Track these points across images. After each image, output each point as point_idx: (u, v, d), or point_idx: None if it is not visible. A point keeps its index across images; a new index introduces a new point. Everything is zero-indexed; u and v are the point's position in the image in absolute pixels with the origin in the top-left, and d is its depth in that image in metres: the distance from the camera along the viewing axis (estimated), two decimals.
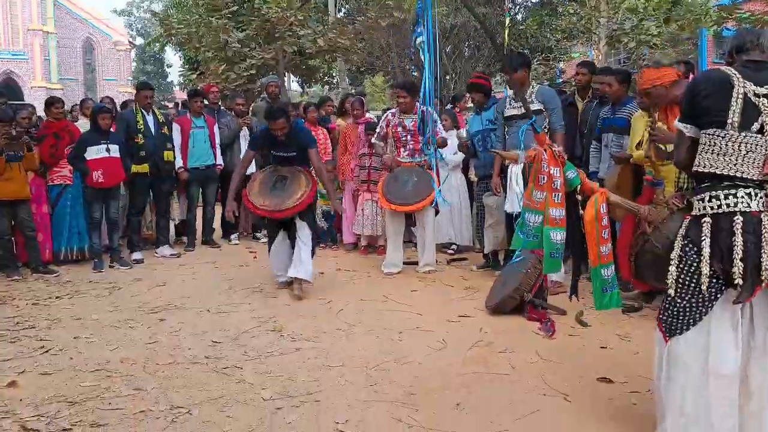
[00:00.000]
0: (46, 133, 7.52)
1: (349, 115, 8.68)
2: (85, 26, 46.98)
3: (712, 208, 2.61)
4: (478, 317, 5.25)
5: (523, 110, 5.97)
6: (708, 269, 2.59)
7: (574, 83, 8.32)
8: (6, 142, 6.74)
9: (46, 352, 4.48)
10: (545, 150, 3.32)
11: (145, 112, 7.84)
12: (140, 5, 59.00)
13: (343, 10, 23.38)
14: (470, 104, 9.03)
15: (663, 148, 4.68)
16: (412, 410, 3.46)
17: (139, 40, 56.01)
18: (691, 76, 5.49)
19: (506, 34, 18.71)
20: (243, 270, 7.26)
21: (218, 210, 9.36)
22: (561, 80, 20.96)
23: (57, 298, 6.07)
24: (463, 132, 8.17)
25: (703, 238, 2.61)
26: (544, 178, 3.29)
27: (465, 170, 8.27)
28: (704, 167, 2.66)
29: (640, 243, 2.99)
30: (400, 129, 6.97)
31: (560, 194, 3.29)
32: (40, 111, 8.74)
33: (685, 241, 2.71)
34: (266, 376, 3.97)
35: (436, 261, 7.17)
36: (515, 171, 5.95)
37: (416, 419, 3.36)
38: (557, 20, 22.08)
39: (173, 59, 60.60)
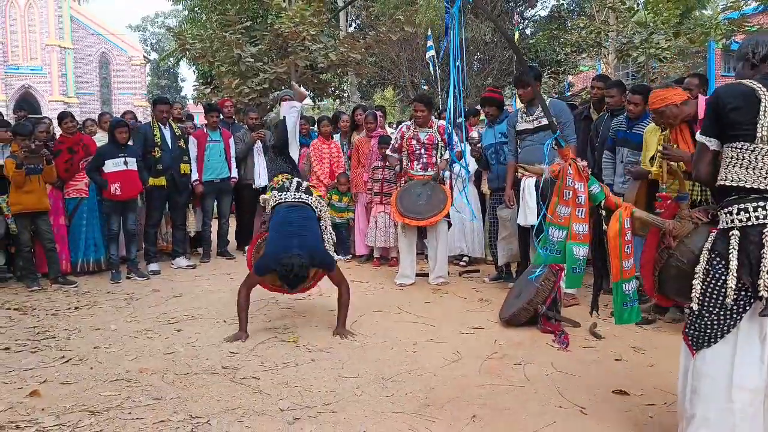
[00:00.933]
0: (61, 148, 7.57)
1: (361, 128, 8.70)
2: (101, 41, 47.25)
3: (740, 221, 2.58)
4: (492, 329, 5.23)
5: (534, 125, 5.97)
6: (734, 282, 2.56)
7: (586, 96, 8.31)
8: (26, 156, 6.78)
9: (67, 361, 4.50)
10: (570, 164, 3.27)
11: (162, 126, 7.88)
12: (154, 21, 59.58)
13: (354, 24, 23.48)
14: (482, 117, 9.05)
15: (674, 166, 4.67)
16: (429, 422, 3.45)
17: (154, 55, 56.37)
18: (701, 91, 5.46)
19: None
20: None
21: (232, 222, 9.43)
22: (570, 93, 20.95)
23: (76, 308, 6.09)
24: (475, 133, 8.18)
25: (731, 250, 2.57)
26: (569, 193, 3.25)
27: (477, 183, 8.26)
28: (732, 181, 2.63)
29: (665, 257, 2.94)
30: (414, 142, 6.98)
31: (584, 209, 3.25)
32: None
33: (712, 255, 2.67)
34: (283, 387, 3.96)
35: (449, 273, 7.16)
36: (528, 184, 5.95)
37: (433, 431, 3.34)
38: (566, 34, 22.09)
39: (187, 74, 61.03)
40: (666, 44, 15.85)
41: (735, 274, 2.56)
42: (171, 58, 28.05)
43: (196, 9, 24.27)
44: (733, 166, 2.63)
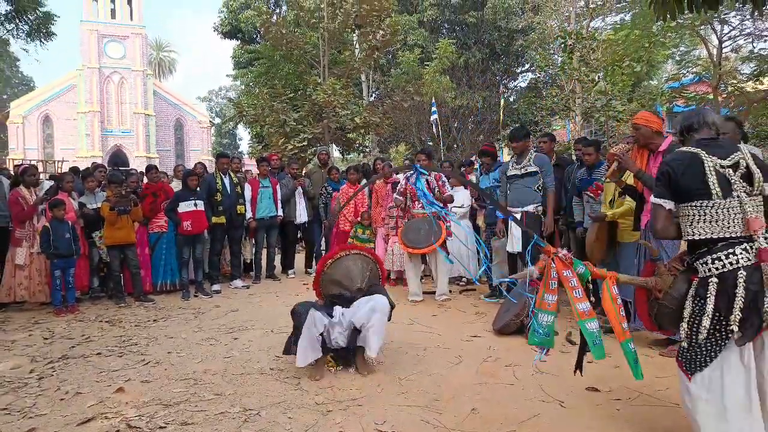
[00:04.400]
0: (146, 192, 7.65)
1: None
2: (176, 109, 47.99)
3: (717, 269, 2.47)
4: (487, 337, 5.14)
5: (521, 172, 5.94)
6: (708, 323, 2.44)
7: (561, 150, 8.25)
8: (117, 200, 6.86)
9: (146, 364, 4.47)
10: (552, 259, 3.09)
11: (223, 175, 7.93)
12: (218, 93, 60.49)
13: (374, 95, 23.70)
14: (476, 167, 9.04)
15: (618, 172, 4.61)
16: (437, 414, 3.37)
17: (217, 120, 57.13)
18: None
19: (501, 112, 18.81)
20: (298, 298, 7.19)
21: (278, 251, 9.44)
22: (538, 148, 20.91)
23: (154, 321, 6.08)
24: (473, 177, 8.16)
25: (708, 296, 2.46)
26: (554, 283, 3.03)
27: (473, 218, 8.21)
28: (700, 235, 2.53)
29: (656, 307, 2.82)
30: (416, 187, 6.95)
31: (580, 290, 3.04)
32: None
33: (696, 300, 2.55)
34: (318, 385, 3.90)
35: (450, 291, 7.08)
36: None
37: (440, 421, 3.27)
38: (542, 101, 22.17)
39: (243, 134, 61.73)
40: (622, 108, 15.83)
41: (710, 315, 2.45)
42: (231, 122, 28.42)
43: (251, 84, 24.65)
44: (698, 222, 2.54)
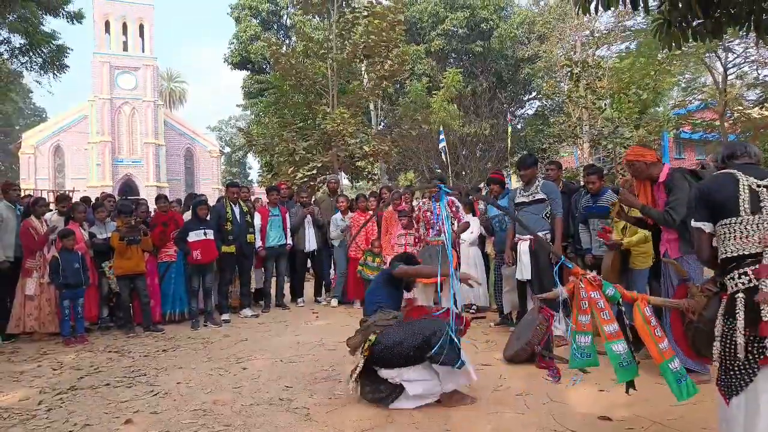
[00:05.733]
0: (156, 222, 7.71)
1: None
2: (187, 139, 48.47)
3: (743, 284, 2.47)
4: (497, 366, 5.09)
5: (529, 198, 5.94)
6: (743, 339, 2.42)
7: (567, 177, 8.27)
8: (127, 230, 6.91)
9: (155, 395, 4.45)
10: (581, 280, 3.10)
11: (233, 204, 7.97)
12: (228, 123, 61.14)
13: (382, 123, 23.90)
14: (483, 193, 9.05)
15: (625, 210, 4.61)
16: None
17: (227, 149, 57.60)
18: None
19: (509, 139, 18.91)
20: (308, 327, 7.20)
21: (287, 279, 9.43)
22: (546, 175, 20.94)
23: (163, 351, 6.06)
24: (481, 205, 8.14)
25: (737, 311, 2.44)
26: (585, 303, 3.04)
27: (481, 246, 8.19)
28: (731, 252, 2.55)
29: (692, 330, 2.81)
30: (429, 213, 6.95)
31: (608, 312, 3.04)
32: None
33: (725, 318, 2.54)
34: (328, 415, 3.86)
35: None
36: (523, 247, 5.90)
37: None
38: (549, 128, 22.30)
39: (253, 163, 62.11)
40: (629, 135, 15.91)
41: (742, 332, 2.42)
42: (241, 151, 28.76)
43: (261, 113, 24.97)
44: (728, 240, 2.56)
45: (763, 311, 2.35)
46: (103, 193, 8.92)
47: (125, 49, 44.22)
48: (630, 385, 3.14)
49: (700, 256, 2.78)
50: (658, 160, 4.49)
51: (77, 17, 14.92)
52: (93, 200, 9.26)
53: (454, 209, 6.83)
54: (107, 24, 43.56)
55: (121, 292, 7.07)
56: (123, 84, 43.53)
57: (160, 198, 8.18)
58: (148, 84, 44.18)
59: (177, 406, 4.15)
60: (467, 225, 7.00)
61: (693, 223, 2.76)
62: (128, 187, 42.33)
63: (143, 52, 44.64)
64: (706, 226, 2.69)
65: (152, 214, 8.36)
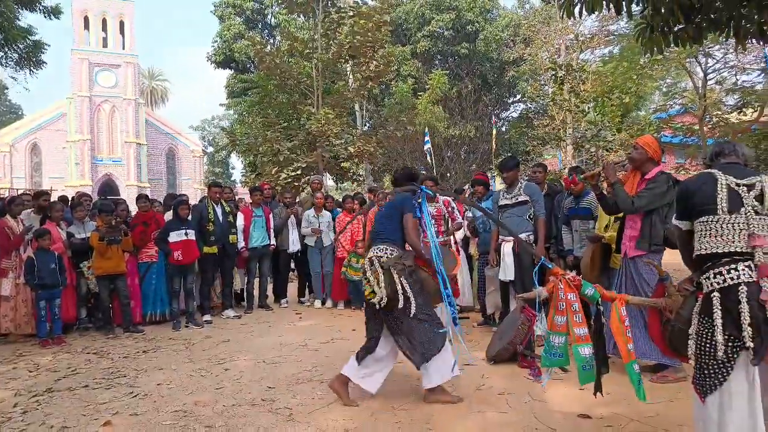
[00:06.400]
0: (137, 222, 7.65)
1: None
2: (169, 138, 48.17)
3: (718, 283, 2.50)
4: (480, 365, 5.12)
5: (512, 201, 5.98)
6: (722, 337, 2.45)
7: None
8: (107, 230, 6.85)
9: (135, 396, 4.42)
10: (560, 280, 3.14)
11: (215, 205, 7.94)
12: (211, 122, 60.73)
13: (367, 124, 23.92)
14: (467, 195, 9.07)
15: (597, 177, 4.69)
16: None
17: (210, 149, 57.24)
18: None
19: (494, 142, 19.03)
20: (291, 328, 7.18)
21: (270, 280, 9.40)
22: (531, 177, 21.12)
23: (144, 352, 6.02)
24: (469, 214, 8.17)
25: (714, 310, 2.48)
26: (562, 304, 3.09)
27: (465, 247, 8.22)
28: (706, 249, 2.58)
29: (669, 328, 2.85)
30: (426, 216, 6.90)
31: (580, 315, 3.10)
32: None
33: (701, 317, 2.58)
34: (311, 416, 3.86)
35: None
36: (506, 248, 5.94)
37: None
38: (533, 131, 22.46)
39: (236, 163, 61.78)
40: (612, 138, 16.07)
41: (721, 330, 2.45)
42: (224, 151, 28.60)
43: (244, 113, 24.85)
44: (705, 237, 2.60)
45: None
46: (79, 192, 8.78)
47: (105, 45, 43.82)
48: (597, 388, 3.20)
49: (682, 254, 2.84)
50: (659, 162, 4.54)
51: (55, 12, 14.70)
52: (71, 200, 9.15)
53: (450, 209, 6.86)
54: (86, 20, 43.14)
55: (101, 293, 7.00)
56: (103, 81, 43.11)
57: (140, 197, 8.11)
58: (128, 82, 43.81)
59: (157, 408, 4.12)
60: (461, 225, 7.03)
61: (673, 221, 2.83)
62: (108, 187, 41.93)
63: (124, 49, 44.26)
64: (683, 224, 2.75)
65: (132, 214, 8.29)
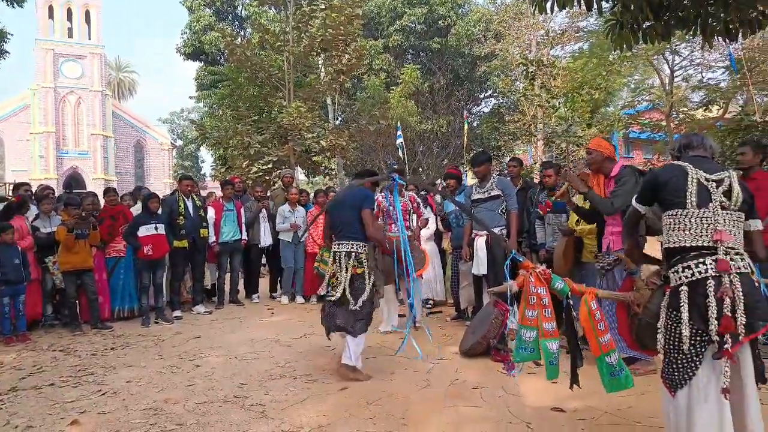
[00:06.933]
0: (104, 216, 7.47)
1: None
2: (137, 131, 47.47)
3: (686, 277, 2.51)
4: (454, 359, 5.14)
5: (485, 195, 5.99)
6: (688, 331, 2.47)
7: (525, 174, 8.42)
8: (76, 223, 6.69)
9: (103, 394, 4.33)
10: (530, 274, 3.14)
11: (185, 198, 7.81)
12: (180, 115, 59.86)
13: (340, 118, 23.81)
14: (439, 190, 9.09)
15: (570, 194, 4.82)
16: None
17: (179, 142, 56.47)
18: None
19: (465, 136, 19.11)
20: (263, 324, 7.12)
21: (242, 275, 9.30)
22: (507, 171, 21.31)
23: (112, 349, 5.89)
24: (438, 198, 8.16)
25: (681, 304, 2.49)
26: (533, 298, 3.09)
27: (438, 241, 8.24)
28: (674, 243, 2.59)
29: (636, 322, 2.87)
30: (391, 209, 6.89)
31: (549, 309, 3.11)
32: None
33: (669, 310, 2.59)
34: (284, 412, 3.83)
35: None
36: (480, 242, 5.95)
37: None
38: (504, 126, 22.62)
39: (206, 156, 60.96)
40: (582, 133, 16.28)
41: (688, 324, 2.47)
42: (193, 144, 28.19)
43: (214, 106, 24.53)
44: (673, 230, 2.60)
45: (725, 306, 2.40)
46: (42, 185, 8.52)
47: (70, 36, 42.82)
48: (574, 381, 3.23)
49: (624, 228, 2.88)
50: (614, 158, 4.63)
51: (18, 0, 14.29)
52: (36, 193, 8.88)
53: (415, 205, 6.85)
54: (50, 9, 42.09)
55: (67, 289, 6.83)
56: (68, 72, 42.15)
57: (108, 191, 7.93)
58: (95, 73, 42.92)
59: (126, 406, 4.04)
60: (426, 222, 7.03)
61: (633, 201, 2.84)
62: (74, 180, 41.05)
63: (90, 39, 43.32)
64: (641, 208, 2.78)
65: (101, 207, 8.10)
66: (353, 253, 4.63)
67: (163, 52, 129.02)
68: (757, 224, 2.69)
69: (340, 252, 4.67)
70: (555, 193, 5.96)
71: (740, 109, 12.81)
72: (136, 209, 8.02)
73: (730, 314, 2.39)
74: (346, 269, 4.58)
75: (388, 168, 6.44)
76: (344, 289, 4.53)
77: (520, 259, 3.24)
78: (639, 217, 2.82)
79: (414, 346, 5.05)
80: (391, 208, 6.67)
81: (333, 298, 4.61)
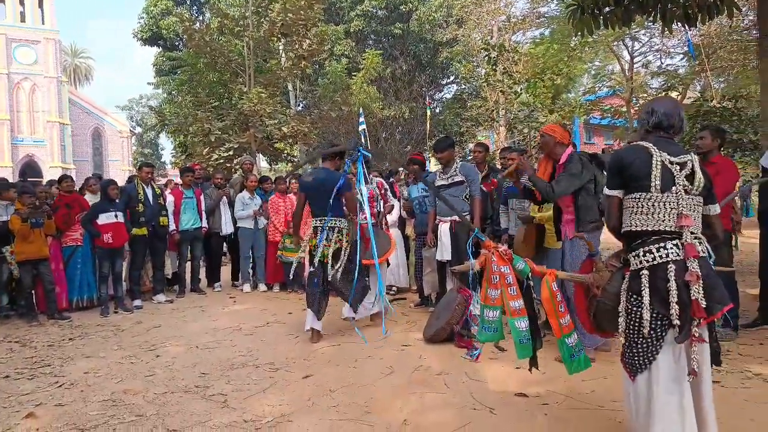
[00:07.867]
0: (59, 204, 7.24)
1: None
2: (94, 118, 46.27)
3: (647, 261, 2.51)
4: (418, 346, 5.14)
5: (449, 181, 5.97)
6: (649, 315, 2.47)
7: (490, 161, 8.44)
8: (30, 212, 6.46)
9: (60, 386, 4.20)
10: (492, 253, 3.13)
11: (145, 186, 7.62)
12: (139, 102, 58.49)
13: (301, 104, 23.55)
14: (402, 177, 9.08)
15: (515, 173, 4.78)
16: (369, 426, 3.32)
17: (138, 129, 55.22)
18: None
19: (428, 123, 19.13)
20: (225, 312, 7.01)
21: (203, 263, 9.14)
22: (471, 157, 21.44)
23: (70, 339, 5.73)
24: (405, 192, 8.14)
25: (642, 288, 2.49)
26: (496, 277, 3.08)
27: (402, 227, 8.23)
28: (636, 226, 2.58)
29: (594, 304, 2.86)
30: (358, 195, 6.83)
31: (515, 288, 3.10)
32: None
33: (629, 294, 2.58)
34: (246, 402, 3.77)
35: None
36: (444, 228, 5.94)
37: None
38: (467, 112, 22.70)
39: (166, 144, 59.86)
40: (544, 119, 16.43)
41: (648, 308, 2.48)
42: (153, 131, 27.53)
43: (174, 92, 23.98)
44: (635, 214, 2.59)
45: (692, 291, 2.42)
46: None
47: (23, 20, 41.22)
48: (533, 363, 3.25)
49: (608, 223, 2.80)
50: (568, 143, 4.64)
51: None
52: None
53: (383, 191, 6.81)
54: None
55: (23, 279, 6.59)
56: (21, 58, 40.66)
57: (64, 178, 7.67)
58: (49, 58, 41.48)
59: (84, 397, 3.93)
60: (391, 208, 7.01)
61: (605, 191, 2.78)
62: (30, 169, 39.79)
63: (43, 24, 41.77)
64: (618, 193, 2.70)
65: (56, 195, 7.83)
66: (336, 228, 5.37)
67: (119, 37, 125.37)
68: (716, 209, 2.71)
69: (323, 227, 5.36)
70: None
71: (698, 95, 13.08)
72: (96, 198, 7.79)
73: (693, 298, 2.41)
74: (333, 242, 5.30)
75: (349, 143, 6.32)
76: (329, 257, 5.24)
77: (483, 238, 3.24)
78: (619, 203, 2.72)
79: (359, 334, 5.32)
80: (359, 195, 6.61)
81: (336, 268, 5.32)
